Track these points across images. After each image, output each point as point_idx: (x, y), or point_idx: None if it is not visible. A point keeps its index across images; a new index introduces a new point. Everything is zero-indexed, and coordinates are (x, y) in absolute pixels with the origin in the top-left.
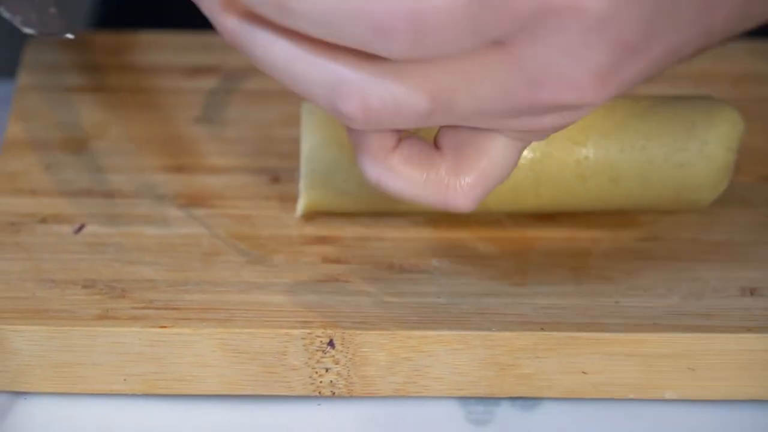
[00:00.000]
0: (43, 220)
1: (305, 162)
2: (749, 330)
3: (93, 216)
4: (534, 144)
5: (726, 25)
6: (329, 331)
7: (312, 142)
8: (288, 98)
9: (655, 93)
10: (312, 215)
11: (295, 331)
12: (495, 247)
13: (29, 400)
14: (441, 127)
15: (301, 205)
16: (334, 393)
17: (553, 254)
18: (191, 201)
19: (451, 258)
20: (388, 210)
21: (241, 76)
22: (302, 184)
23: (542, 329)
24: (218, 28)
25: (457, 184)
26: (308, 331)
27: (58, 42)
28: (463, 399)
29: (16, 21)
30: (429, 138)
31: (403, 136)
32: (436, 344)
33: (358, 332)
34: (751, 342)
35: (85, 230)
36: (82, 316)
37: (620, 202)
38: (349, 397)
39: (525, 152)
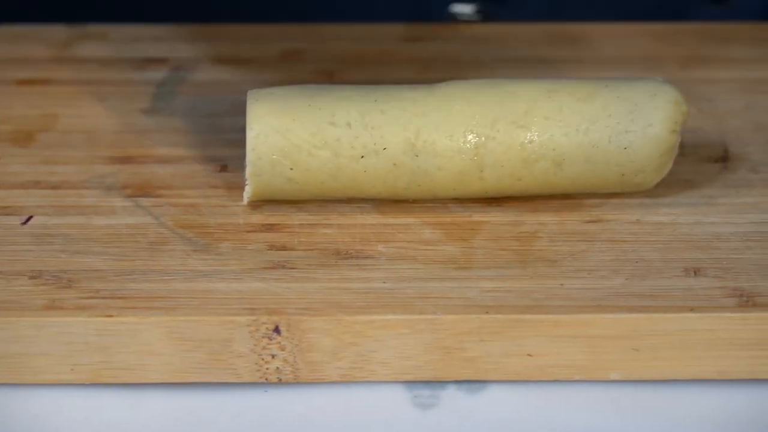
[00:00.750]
0: None
1: (250, 150)
2: (692, 310)
3: (40, 207)
4: (478, 128)
5: None
6: (275, 318)
7: (257, 130)
8: (235, 88)
9: (601, 76)
10: (259, 203)
11: (241, 318)
12: (440, 232)
13: None
14: None
15: (247, 193)
16: (280, 379)
17: (498, 238)
18: (139, 191)
19: (397, 243)
20: (334, 197)
21: (189, 67)
22: (248, 172)
23: (487, 312)
24: None
25: None
26: (254, 317)
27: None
28: (409, 383)
29: None
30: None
31: None
32: (381, 329)
33: (304, 318)
34: (694, 322)
35: (32, 222)
36: (29, 307)
37: (565, 185)
38: (296, 383)
39: (469, 136)
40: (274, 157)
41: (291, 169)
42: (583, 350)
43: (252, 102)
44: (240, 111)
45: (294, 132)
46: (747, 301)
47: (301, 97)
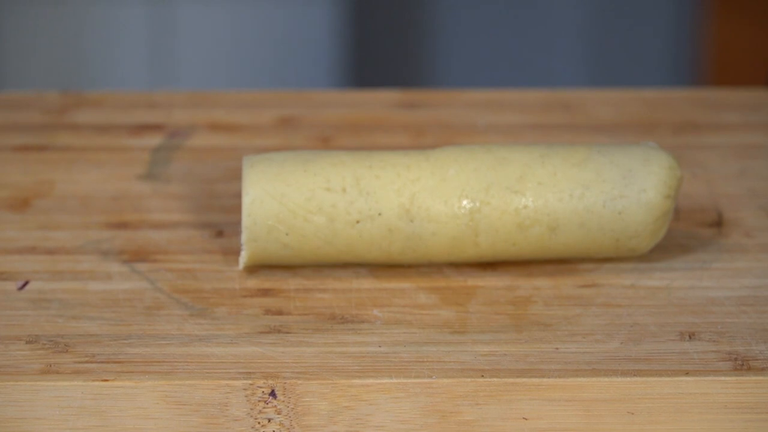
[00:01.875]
0: None
1: (246, 215)
2: (687, 374)
3: (36, 273)
4: (473, 193)
5: None
6: (271, 382)
7: (253, 195)
8: (231, 154)
9: (594, 141)
10: (254, 268)
11: (237, 382)
12: (436, 297)
13: None
14: None
15: (243, 258)
16: None
17: (493, 302)
18: (135, 256)
19: (393, 308)
20: (330, 261)
21: (185, 133)
22: (244, 238)
23: (482, 376)
24: None
25: None
26: (250, 381)
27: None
28: None
29: None
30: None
31: None
32: (377, 393)
33: (300, 382)
34: (689, 385)
35: (28, 287)
36: (26, 371)
37: (560, 250)
38: None
39: (464, 202)
40: (270, 222)
41: (287, 234)
42: (579, 414)
43: (248, 167)
44: (235, 177)
45: (289, 197)
46: (742, 364)
47: (296, 162)
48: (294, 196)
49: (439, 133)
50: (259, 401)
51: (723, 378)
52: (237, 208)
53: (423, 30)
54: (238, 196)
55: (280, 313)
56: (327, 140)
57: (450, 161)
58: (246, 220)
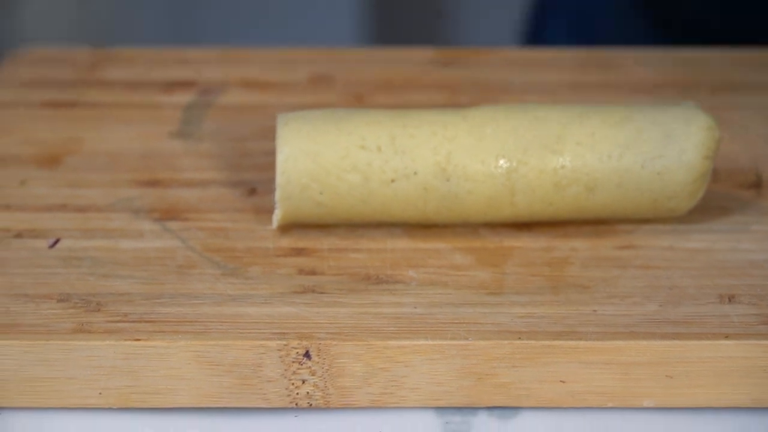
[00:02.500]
0: (18, 235)
1: (280, 173)
2: (727, 337)
3: (67, 230)
4: (510, 153)
5: None
6: (305, 342)
7: (286, 153)
8: (264, 112)
9: (634, 102)
10: (288, 227)
11: (271, 343)
12: (472, 257)
13: (3, 415)
14: None
15: (276, 217)
16: (311, 404)
17: (530, 264)
18: (166, 215)
19: (428, 268)
20: (364, 221)
21: (217, 90)
22: (277, 196)
23: (519, 338)
24: None
25: None
26: (284, 342)
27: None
28: (441, 409)
29: None
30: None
31: None
32: (412, 354)
33: (334, 343)
34: (728, 349)
35: (59, 245)
36: (57, 330)
37: (597, 210)
38: (326, 408)
39: (500, 161)
40: (304, 180)
41: (320, 193)
42: (616, 377)
43: (282, 125)
44: (268, 135)
45: (323, 156)
46: None
47: (330, 121)
48: (328, 155)
49: (474, 91)
50: (293, 362)
51: (763, 342)
52: (269, 166)
53: None
54: (271, 154)
55: (313, 273)
56: (360, 98)
57: (487, 120)
58: (280, 178)
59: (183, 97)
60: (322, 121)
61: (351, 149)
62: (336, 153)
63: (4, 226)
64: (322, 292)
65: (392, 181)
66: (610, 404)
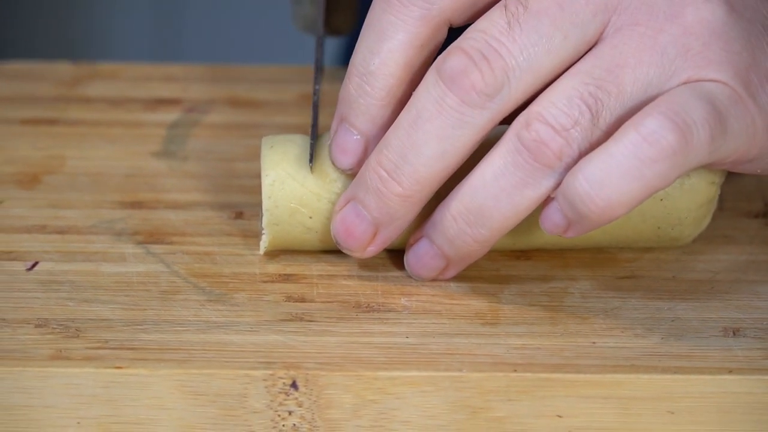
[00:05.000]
0: None
1: (267, 197)
2: (730, 372)
3: (46, 253)
4: None
5: None
6: (292, 372)
7: (273, 176)
8: (251, 131)
9: None
10: (275, 252)
11: (257, 372)
12: (467, 286)
13: None
14: None
15: (264, 243)
16: None
17: (527, 293)
18: (150, 237)
19: (421, 297)
20: None
21: (203, 108)
22: (265, 221)
23: (515, 370)
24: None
25: None
26: (270, 372)
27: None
28: None
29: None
30: None
31: None
32: (404, 386)
33: (323, 373)
34: (732, 384)
35: (38, 267)
36: (34, 357)
37: (598, 238)
38: None
39: None
40: (293, 205)
41: (310, 217)
42: (616, 412)
43: (267, 148)
44: (256, 155)
45: (312, 179)
46: None
47: (318, 143)
48: (317, 178)
49: None
50: (280, 393)
51: None
52: (257, 189)
53: None
54: (258, 176)
55: (302, 300)
56: None
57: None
58: (267, 203)
59: (168, 115)
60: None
61: (341, 172)
62: (326, 176)
63: None
64: (310, 320)
65: None
66: None
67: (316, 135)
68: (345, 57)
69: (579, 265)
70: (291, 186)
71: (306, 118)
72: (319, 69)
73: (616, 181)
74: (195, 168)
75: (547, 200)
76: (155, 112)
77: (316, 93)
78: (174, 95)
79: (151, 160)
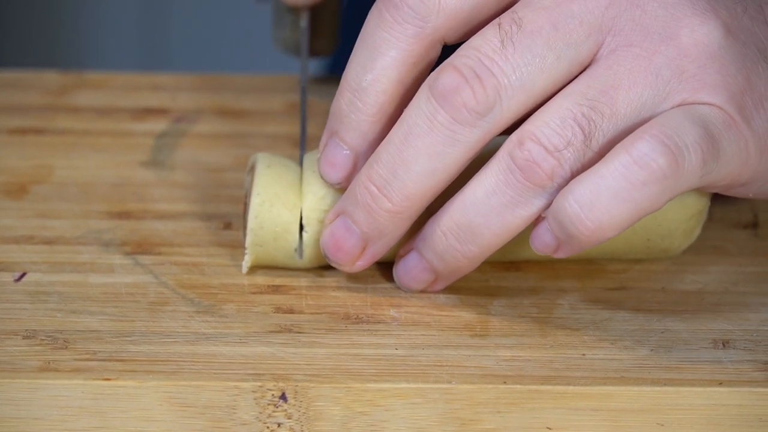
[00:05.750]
0: None
1: (253, 217)
2: (720, 384)
3: (34, 264)
4: None
5: None
6: (281, 384)
7: (264, 197)
8: (240, 141)
9: None
10: (268, 266)
11: (246, 384)
12: (456, 298)
13: None
14: None
15: (246, 263)
16: None
17: (516, 305)
18: (138, 248)
19: (410, 308)
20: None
21: (191, 118)
22: (248, 241)
23: (504, 382)
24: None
25: None
26: (259, 384)
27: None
28: None
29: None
30: None
31: None
32: (393, 398)
33: (312, 385)
34: (722, 396)
35: (26, 278)
36: (22, 368)
37: (588, 249)
38: None
39: None
40: (278, 230)
41: (295, 249)
42: (606, 424)
43: (263, 167)
44: (243, 166)
45: (299, 208)
46: None
47: (310, 169)
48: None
49: None
50: (269, 405)
51: (758, 389)
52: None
53: None
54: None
55: (291, 311)
56: None
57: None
58: (252, 222)
59: (156, 125)
60: (304, 169)
61: (330, 188)
62: (315, 194)
63: None
64: (299, 332)
65: None
66: None
67: (301, 162)
68: (329, 69)
69: (569, 277)
70: (279, 210)
71: (294, 128)
72: (304, 94)
73: (605, 203)
74: (183, 178)
75: (538, 219)
76: (143, 122)
77: (303, 119)
78: (162, 105)
79: (140, 169)
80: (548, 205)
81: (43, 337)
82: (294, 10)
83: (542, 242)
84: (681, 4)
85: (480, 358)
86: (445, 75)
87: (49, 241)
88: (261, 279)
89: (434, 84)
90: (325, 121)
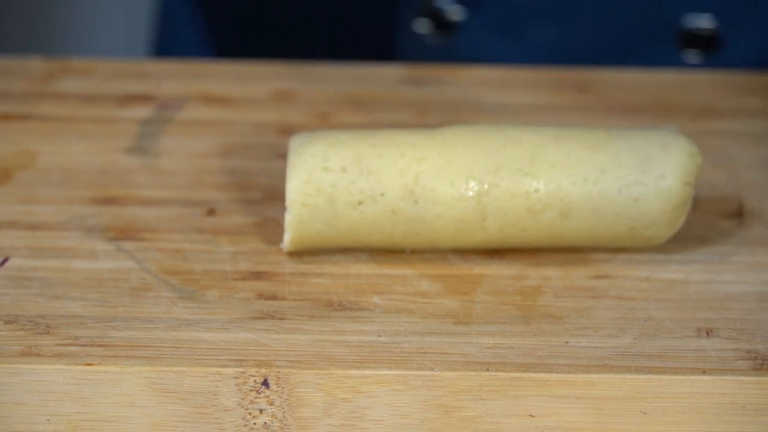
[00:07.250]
0: None
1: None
2: (704, 372)
3: (17, 249)
4: (481, 175)
5: None
6: (263, 370)
7: (304, 177)
8: (224, 128)
9: (609, 124)
10: (246, 250)
11: (228, 370)
12: (439, 285)
13: None
14: None
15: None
16: None
17: (500, 292)
18: (121, 234)
19: (393, 295)
20: (329, 246)
21: (176, 105)
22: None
23: (487, 370)
24: None
25: None
26: (241, 369)
27: None
28: None
29: None
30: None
31: None
32: (375, 385)
33: (294, 371)
34: (705, 385)
35: (8, 264)
36: (4, 353)
37: (571, 237)
38: None
39: (471, 183)
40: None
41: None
42: (588, 412)
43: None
44: (228, 152)
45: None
46: (762, 364)
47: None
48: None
49: (445, 111)
50: (251, 391)
51: (741, 378)
52: (230, 186)
53: None
54: (231, 172)
55: (274, 297)
56: (326, 117)
57: (458, 140)
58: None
59: (140, 112)
60: (289, 152)
61: (314, 172)
62: (299, 179)
63: None
64: (282, 318)
65: (359, 203)
66: None
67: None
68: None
69: (552, 264)
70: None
71: (279, 116)
72: None
73: None
74: (167, 164)
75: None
76: (128, 108)
77: None
78: (147, 91)
79: (124, 156)
80: None
81: (25, 322)
82: None
83: None
84: None
85: (463, 345)
86: None
87: (32, 227)
88: (244, 265)
89: None
90: (312, 108)
